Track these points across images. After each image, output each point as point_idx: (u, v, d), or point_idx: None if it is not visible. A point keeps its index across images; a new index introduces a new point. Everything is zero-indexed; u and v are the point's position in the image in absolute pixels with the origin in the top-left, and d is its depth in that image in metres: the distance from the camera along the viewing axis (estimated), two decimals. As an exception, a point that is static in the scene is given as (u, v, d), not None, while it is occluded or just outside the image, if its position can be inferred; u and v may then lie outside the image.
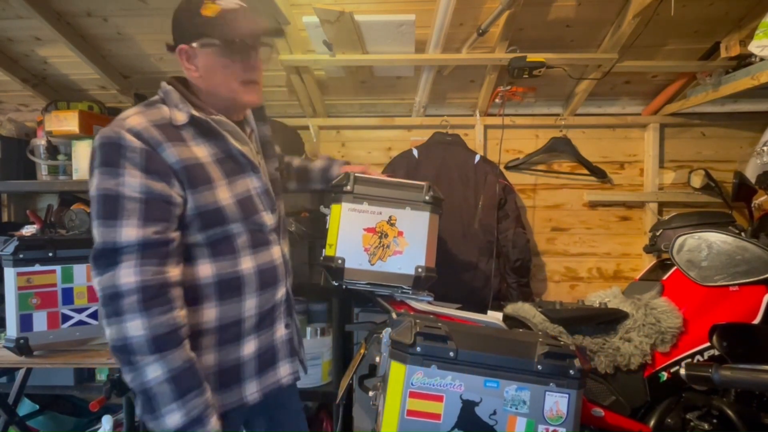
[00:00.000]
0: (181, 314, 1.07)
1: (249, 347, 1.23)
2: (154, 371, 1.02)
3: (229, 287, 1.19)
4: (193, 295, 1.15)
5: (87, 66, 2.25)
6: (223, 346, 1.19)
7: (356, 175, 1.59)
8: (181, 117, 1.14)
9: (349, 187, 1.56)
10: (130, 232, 1.03)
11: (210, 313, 1.17)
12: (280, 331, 1.31)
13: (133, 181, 1.05)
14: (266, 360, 1.27)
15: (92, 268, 1.05)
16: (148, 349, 1.01)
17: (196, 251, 1.16)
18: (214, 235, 1.17)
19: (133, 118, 1.10)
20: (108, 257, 1.03)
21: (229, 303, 1.19)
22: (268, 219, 1.27)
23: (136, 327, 1.01)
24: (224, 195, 1.16)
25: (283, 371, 1.32)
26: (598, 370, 1.69)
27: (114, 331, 1.02)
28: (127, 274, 1.02)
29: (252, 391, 1.24)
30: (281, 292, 1.31)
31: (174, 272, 1.08)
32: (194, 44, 1.17)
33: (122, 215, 1.03)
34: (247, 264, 1.21)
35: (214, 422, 1.09)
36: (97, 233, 1.04)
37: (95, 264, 1.04)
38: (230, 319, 1.19)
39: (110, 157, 1.05)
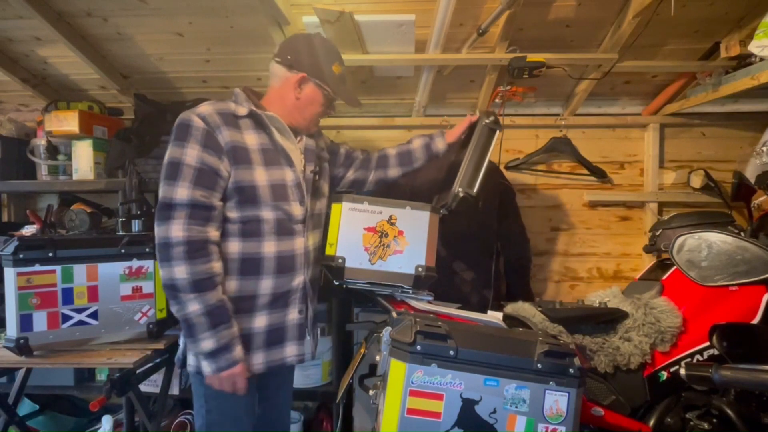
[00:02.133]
0: (217, 265, 1.34)
1: (260, 321, 1.43)
2: (193, 306, 1.30)
3: (250, 265, 1.41)
4: (223, 267, 1.38)
5: (87, 66, 2.25)
6: (237, 315, 1.39)
7: None
8: (242, 110, 1.43)
9: None
10: (183, 192, 1.31)
11: (231, 285, 1.40)
12: (293, 315, 1.49)
13: (193, 153, 1.33)
14: (275, 337, 1.46)
15: (155, 219, 1.32)
16: (189, 289, 1.29)
17: (230, 229, 1.40)
18: (246, 216, 1.40)
19: (203, 106, 1.40)
20: (165, 211, 1.31)
21: (247, 279, 1.41)
22: (297, 210, 1.47)
23: (181, 271, 1.29)
24: (260, 177, 1.41)
25: (290, 351, 1.48)
26: (597, 369, 1.69)
27: (165, 272, 1.31)
28: (177, 229, 1.29)
29: (258, 361, 1.43)
30: (298, 280, 1.49)
31: (214, 233, 1.36)
32: (316, 80, 1.51)
33: (179, 177, 1.31)
34: (269, 248, 1.42)
35: (238, 350, 1.35)
36: (161, 191, 1.32)
37: (157, 215, 1.32)
38: (246, 293, 1.41)
39: (181, 133, 1.35)
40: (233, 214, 1.40)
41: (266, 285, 1.43)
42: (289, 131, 1.50)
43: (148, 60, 2.30)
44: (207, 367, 1.34)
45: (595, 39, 2.13)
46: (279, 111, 1.50)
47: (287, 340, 1.48)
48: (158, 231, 1.31)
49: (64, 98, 2.50)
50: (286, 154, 1.47)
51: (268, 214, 1.42)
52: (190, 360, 1.40)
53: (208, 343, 1.31)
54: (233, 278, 1.40)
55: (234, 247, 1.40)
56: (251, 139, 1.43)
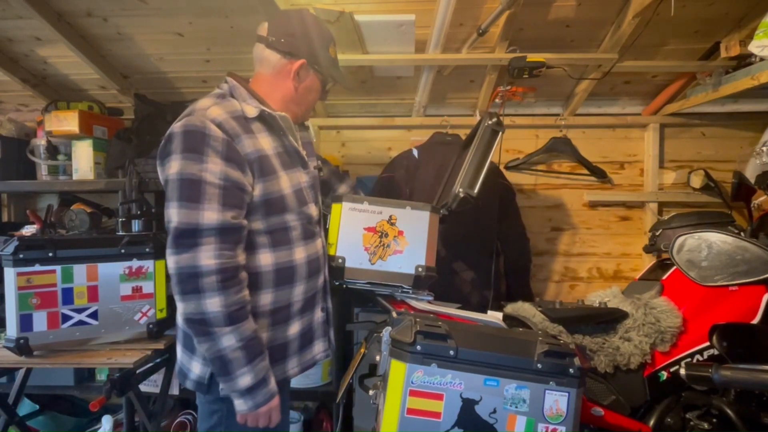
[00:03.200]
0: (247, 293, 1.23)
1: (294, 328, 1.38)
2: (228, 341, 1.18)
3: (284, 275, 1.33)
4: (255, 281, 1.28)
5: (87, 66, 2.25)
6: (274, 327, 1.33)
7: None
8: (252, 111, 1.28)
9: None
10: (211, 215, 1.15)
11: (266, 298, 1.31)
12: (318, 314, 1.47)
13: (215, 168, 1.16)
14: (306, 339, 1.43)
15: (170, 246, 1.15)
16: (224, 322, 1.16)
17: (259, 241, 1.29)
18: (273, 225, 1.30)
19: (213, 109, 1.23)
20: (189, 237, 1.14)
21: (282, 289, 1.33)
22: (314, 211, 1.43)
23: (214, 304, 1.15)
24: (285, 185, 1.31)
25: (317, 349, 1.47)
26: (597, 369, 1.69)
27: (192, 306, 1.16)
28: (208, 257, 1.14)
29: (293, 366, 1.39)
30: (321, 279, 1.47)
31: (242, 256, 1.23)
32: (316, 67, 1.40)
33: (204, 199, 1.15)
34: (299, 254, 1.36)
35: (273, 383, 1.27)
36: (177, 214, 1.15)
37: (175, 243, 1.15)
38: (282, 303, 1.34)
39: (195, 144, 1.16)
40: (259, 225, 1.28)
41: (298, 291, 1.37)
42: (294, 129, 1.41)
43: (148, 60, 2.30)
44: (243, 405, 1.23)
45: (595, 39, 2.13)
46: (275, 103, 1.38)
47: (315, 339, 1.46)
48: (180, 260, 1.14)
49: (64, 98, 2.50)
50: (299, 155, 1.39)
51: (294, 221, 1.34)
52: (194, 374, 1.29)
53: (245, 380, 1.20)
54: (268, 291, 1.31)
55: (266, 259, 1.30)
56: (267, 144, 1.30)
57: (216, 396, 1.30)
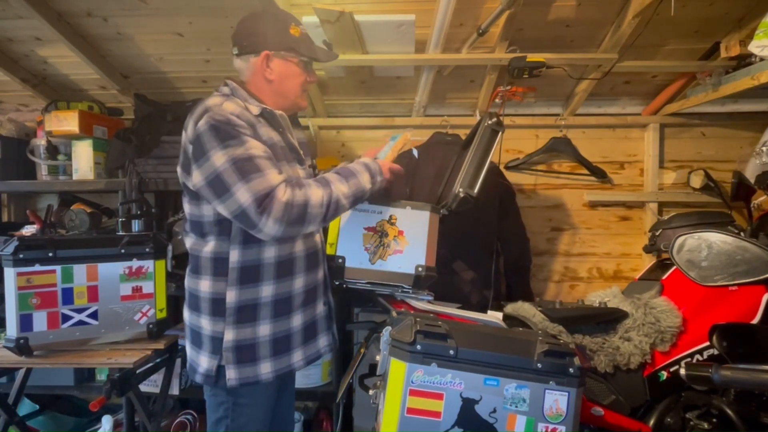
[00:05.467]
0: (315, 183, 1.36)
1: (297, 320, 1.43)
2: (340, 189, 1.36)
3: (285, 267, 1.39)
4: (256, 273, 1.35)
5: (87, 66, 2.25)
6: (277, 318, 1.39)
7: None
8: (254, 109, 1.34)
9: None
10: (276, 177, 1.25)
11: (268, 290, 1.36)
12: (320, 307, 1.51)
13: (256, 145, 1.26)
14: (310, 332, 1.48)
15: (259, 215, 1.21)
16: (325, 201, 1.32)
17: None
18: None
19: (227, 104, 1.29)
20: (269, 198, 1.22)
21: (283, 281, 1.39)
22: None
23: (315, 206, 1.30)
24: (289, 174, 1.36)
25: (322, 342, 1.52)
26: (597, 369, 1.69)
27: (315, 206, 1.30)
28: (282, 193, 1.24)
29: (298, 358, 1.44)
30: (321, 273, 1.52)
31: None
32: (282, 53, 1.40)
33: (263, 167, 1.24)
34: (299, 247, 1.42)
35: (371, 170, 1.47)
36: (248, 190, 1.21)
37: (259, 210, 1.21)
38: (283, 295, 1.39)
39: (229, 132, 1.24)
40: None
41: (299, 283, 1.42)
42: (291, 127, 1.46)
43: (148, 60, 2.30)
44: (379, 185, 1.46)
45: (595, 39, 2.13)
46: (267, 102, 1.42)
47: (319, 332, 1.51)
48: (269, 211, 1.23)
49: (64, 98, 2.50)
50: (297, 151, 1.45)
51: None
52: (230, 374, 1.33)
53: (365, 179, 1.41)
54: (269, 283, 1.36)
55: (270, 251, 1.36)
56: (274, 136, 1.37)
57: (223, 388, 1.35)
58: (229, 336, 1.34)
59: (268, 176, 1.24)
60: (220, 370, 1.34)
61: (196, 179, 1.27)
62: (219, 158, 1.22)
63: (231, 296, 1.33)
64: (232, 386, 1.34)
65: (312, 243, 1.47)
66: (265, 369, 1.37)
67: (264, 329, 1.37)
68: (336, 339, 1.61)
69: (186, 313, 1.43)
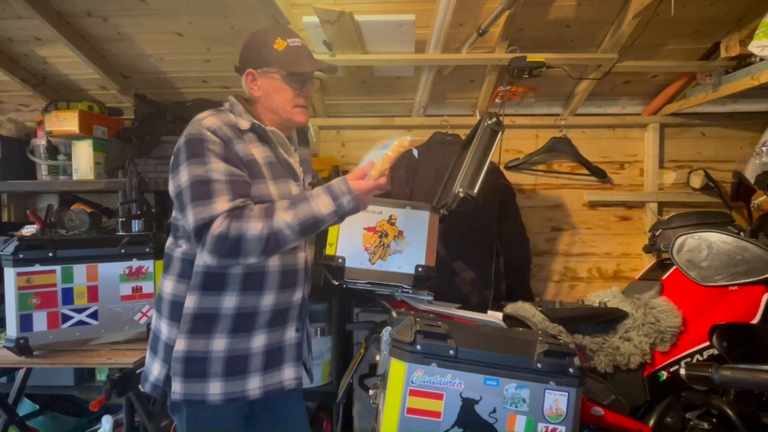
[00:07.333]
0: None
1: (258, 341, 1.32)
2: (283, 219, 1.22)
3: (254, 280, 1.30)
4: (221, 281, 1.28)
5: (87, 66, 2.25)
6: (235, 335, 1.29)
7: None
8: (244, 124, 1.32)
9: None
10: (223, 205, 1.19)
11: (231, 301, 1.28)
12: (290, 333, 1.39)
13: (217, 167, 1.22)
14: (273, 358, 1.35)
15: (197, 242, 1.19)
16: (263, 233, 1.19)
17: None
18: None
19: (209, 119, 1.28)
20: (206, 228, 1.18)
21: (248, 294, 1.30)
22: None
23: (253, 235, 1.19)
24: (272, 191, 1.31)
25: (287, 374, 1.37)
26: (597, 369, 1.69)
27: (252, 240, 1.19)
28: (221, 218, 1.18)
29: (254, 386, 1.31)
30: (298, 296, 1.40)
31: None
32: (262, 69, 1.35)
33: (214, 194, 1.20)
34: (274, 261, 1.32)
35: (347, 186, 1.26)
36: (194, 214, 1.19)
37: (200, 239, 1.18)
38: (246, 310, 1.30)
39: (196, 149, 1.23)
40: None
41: (268, 301, 1.33)
42: (288, 143, 1.42)
43: (148, 60, 2.30)
44: (347, 206, 1.25)
45: (595, 39, 2.13)
46: (263, 118, 1.39)
47: (285, 361, 1.37)
48: (212, 237, 1.17)
49: (64, 98, 2.49)
50: (291, 167, 1.40)
51: None
52: (176, 387, 1.25)
53: (320, 204, 1.24)
54: (233, 294, 1.29)
55: None
56: (258, 152, 1.33)
57: (172, 400, 1.28)
58: (180, 345, 1.26)
59: (213, 204, 1.18)
60: (168, 380, 1.27)
61: (170, 188, 1.30)
62: (183, 175, 1.23)
63: (190, 301, 1.27)
64: (176, 400, 1.25)
65: (292, 260, 1.37)
66: (214, 389, 1.26)
67: (219, 343, 1.28)
68: (311, 375, 1.50)
69: (153, 315, 1.39)
